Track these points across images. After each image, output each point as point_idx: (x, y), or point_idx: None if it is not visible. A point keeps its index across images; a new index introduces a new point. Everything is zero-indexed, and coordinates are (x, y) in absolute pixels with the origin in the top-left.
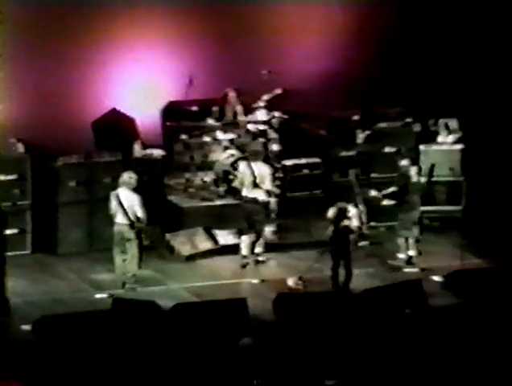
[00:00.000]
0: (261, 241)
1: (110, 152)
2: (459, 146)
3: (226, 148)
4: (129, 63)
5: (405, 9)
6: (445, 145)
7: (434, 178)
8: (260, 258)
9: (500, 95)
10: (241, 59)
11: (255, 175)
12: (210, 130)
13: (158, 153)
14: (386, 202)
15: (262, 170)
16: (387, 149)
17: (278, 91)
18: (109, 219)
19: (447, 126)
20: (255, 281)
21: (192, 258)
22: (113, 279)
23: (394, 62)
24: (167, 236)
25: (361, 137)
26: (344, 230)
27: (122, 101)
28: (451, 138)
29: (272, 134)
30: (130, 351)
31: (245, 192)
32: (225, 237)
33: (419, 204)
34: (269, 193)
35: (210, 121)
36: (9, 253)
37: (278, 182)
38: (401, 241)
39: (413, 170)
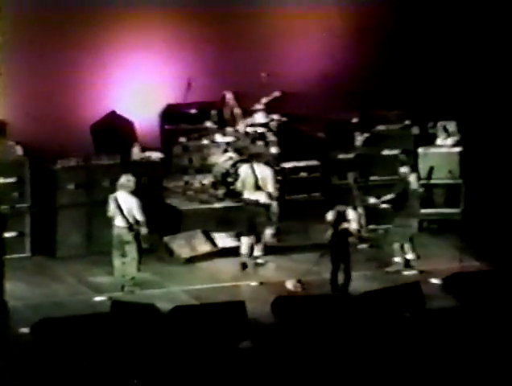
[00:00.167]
0: (260, 244)
1: (109, 155)
2: (457, 149)
3: (225, 151)
4: (127, 66)
5: (404, 12)
6: (444, 148)
7: (432, 181)
8: (259, 261)
9: (498, 98)
10: (239, 62)
11: (257, 177)
12: (209, 133)
13: (156, 156)
14: (384, 206)
15: (264, 172)
16: (386, 152)
17: (277, 93)
18: (108, 222)
19: (445, 129)
20: (254, 283)
21: (190, 261)
22: (112, 282)
23: (392, 65)
24: (166, 238)
25: (359, 139)
26: (343, 233)
27: (121, 104)
28: (449, 141)
29: (271, 137)
30: (129, 354)
31: (246, 194)
32: (223, 240)
33: (419, 211)
34: (271, 195)
35: (209, 124)
36: (8, 256)
37: (277, 185)
38: (396, 246)
39: (412, 177)
